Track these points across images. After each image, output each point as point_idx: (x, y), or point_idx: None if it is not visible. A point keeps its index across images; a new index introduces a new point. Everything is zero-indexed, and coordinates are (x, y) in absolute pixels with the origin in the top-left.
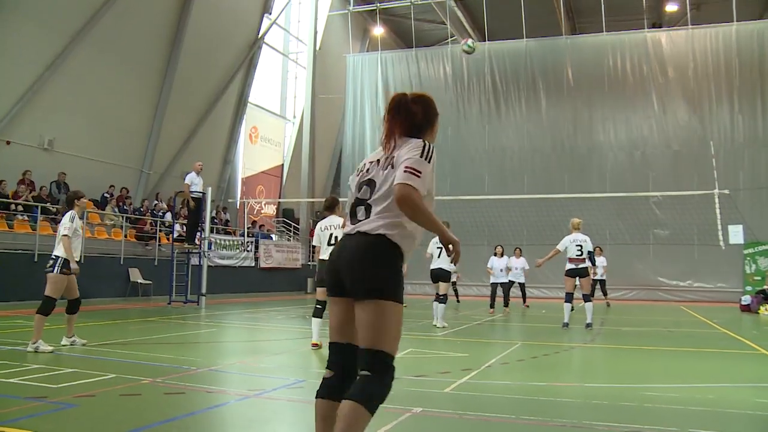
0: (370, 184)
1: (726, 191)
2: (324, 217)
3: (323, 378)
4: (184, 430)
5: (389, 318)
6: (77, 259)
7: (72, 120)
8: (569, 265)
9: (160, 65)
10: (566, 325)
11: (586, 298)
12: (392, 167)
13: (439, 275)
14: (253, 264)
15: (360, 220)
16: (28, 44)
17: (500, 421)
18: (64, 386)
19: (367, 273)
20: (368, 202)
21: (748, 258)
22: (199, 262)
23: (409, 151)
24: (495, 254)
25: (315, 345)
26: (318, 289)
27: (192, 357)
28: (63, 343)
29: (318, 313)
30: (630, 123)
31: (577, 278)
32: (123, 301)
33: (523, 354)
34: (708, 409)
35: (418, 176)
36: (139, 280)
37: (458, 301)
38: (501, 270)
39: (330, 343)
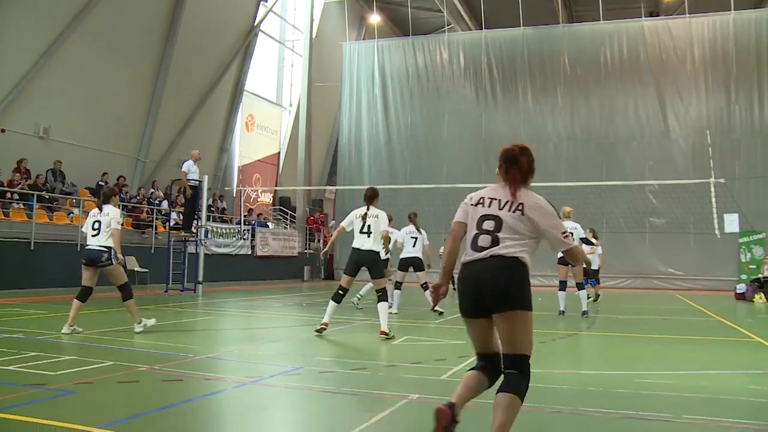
0: (496, 220)
1: (722, 180)
2: (363, 206)
3: (476, 365)
4: (182, 417)
5: (528, 325)
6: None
7: (67, 108)
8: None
9: (155, 53)
10: (562, 313)
11: (580, 286)
12: (521, 213)
13: (415, 263)
14: (249, 252)
15: (485, 247)
16: (22, 32)
17: None
18: (62, 373)
19: (510, 288)
20: (497, 234)
21: (744, 247)
22: (196, 250)
23: (550, 218)
24: None
25: (324, 324)
26: (344, 276)
27: (189, 344)
28: (64, 331)
29: (337, 298)
30: (627, 112)
31: (570, 266)
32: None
33: None
34: (702, 396)
35: (571, 234)
36: (135, 269)
37: (454, 289)
38: None
39: (477, 353)
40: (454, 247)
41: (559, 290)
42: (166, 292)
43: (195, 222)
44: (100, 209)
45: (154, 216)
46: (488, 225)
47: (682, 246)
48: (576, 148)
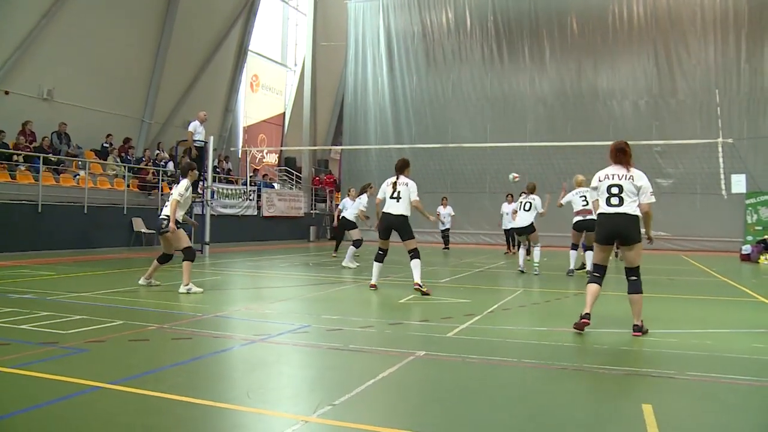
0: (619, 188)
1: (730, 140)
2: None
3: (596, 275)
4: (192, 374)
5: (640, 251)
6: (179, 220)
7: (71, 69)
8: (577, 218)
9: (158, 12)
10: (572, 272)
11: (588, 248)
12: (630, 180)
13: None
14: (255, 213)
15: (617, 205)
16: None
17: (502, 364)
18: (74, 332)
19: (631, 232)
20: (620, 196)
21: (750, 208)
22: (202, 211)
23: (646, 181)
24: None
25: (373, 286)
26: (381, 239)
27: (197, 304)
28: (141, 282)
29: (380, 258)
30: (635, 71)
31: (585, 231)
32: (127, 250)
33: (524, 300)
34: (706, 354)
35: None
36: (142, 230)
37: (447, 249)
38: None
39: (599, 265)
40: None
41: (571, 249)
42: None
43: (201, 183)
44: (178, 182)
45: (160, 177)
46: (615, 190)
47: (689, 207)
48: (583, 107)
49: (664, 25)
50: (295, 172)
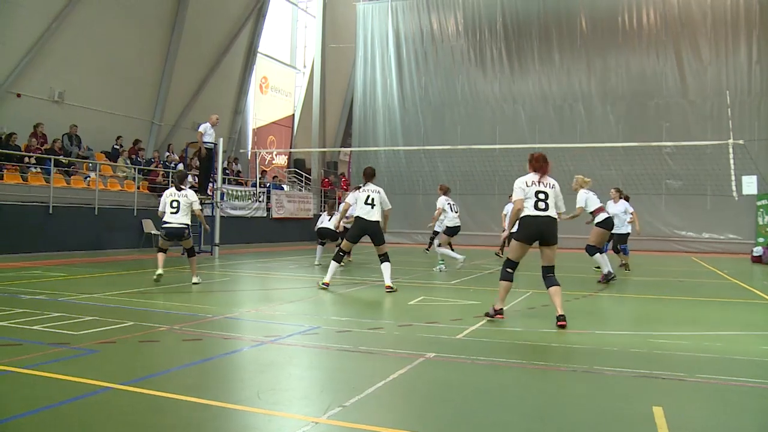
0: (545, 194)
1: (741, 141)
2: (363, 184)
3: (509, 271)
4: (203, 375)
5: (555, 251)
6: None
7: (82, 72)
8: (603, 215)
9: (168, 15)
10: (611, 274)
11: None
12: (553, 189)
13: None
14: (265, 214)
15: (544, 209)
16: None
17: (512, 365)
18: (85, 333)
19: (553, 233)
20: (546, 201)
21: (761, 209)
22: (212, 212)
23: (558, 191)
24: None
25: (326, 284)
26: (350, 242)
27: (207, 305)
28: (194, 281)
29: (338, 258)
30: (644, 72)
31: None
32: (137, 252)
33: (534, 302)
34: (716, 356)
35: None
36: (152, 231)
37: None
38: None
39: (514, 260)
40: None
41: (597, 254)
42: (183, 254)
43: (211, 185)
44: (179, 189)
45: (170, 179)
46: (541, 195)
47: (700, 208)
48: (592, 109)
49: (675, 27)
50: (304, 174)
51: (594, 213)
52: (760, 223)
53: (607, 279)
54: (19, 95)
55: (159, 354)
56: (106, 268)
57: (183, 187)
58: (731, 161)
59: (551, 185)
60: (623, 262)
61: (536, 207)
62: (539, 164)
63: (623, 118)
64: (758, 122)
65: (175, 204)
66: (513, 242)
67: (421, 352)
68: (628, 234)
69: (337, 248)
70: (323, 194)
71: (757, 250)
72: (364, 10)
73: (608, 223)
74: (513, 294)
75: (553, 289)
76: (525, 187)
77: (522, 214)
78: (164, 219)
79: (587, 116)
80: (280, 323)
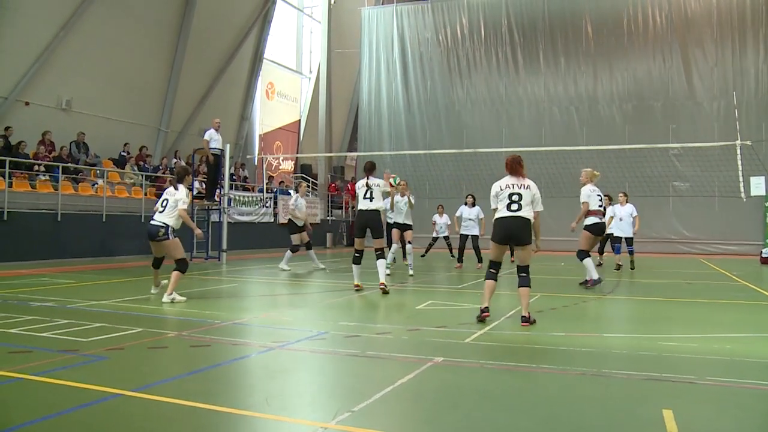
0: (519, 195)
1: (748, 142)
2: (363, 177)
3: (492, 271)
4: (212, 381)
5: (530, 252)
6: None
7: (89, 80)
8: (592, 219)
9: (174, 22)
10: (599, 281)
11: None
12: (528, 189)
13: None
14: (272, 220)
15: (516, 210)
16: (41, 4)
17: (521, 369)
18: (93, 340)
19: (525, 234)
20: (519, 203)
21: None
22: (219, 218)
23: (538, 191)
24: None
25: (357, 287)
26: (356, 239)
27: (215, 311)
28: (164, 300)
29: (357, 261)
30: (650, 74)
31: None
32: (145, 258)
33: (542, 305)
34: (725, 359)
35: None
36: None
37: (453, 257)
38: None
39: (493, 260)
40: None
41: (585, 258)
42: (190, 260)
43: (218, 190)
44: (176, 188)
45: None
46: (514, 197)
47: (707, 210)
48: (598, 111)
49: (681, 27)
50: (311, 179)
51: (588, 213)
52: None
53: (595, 283)
54: (27, 103)
55: (167, 360)
56: (114, 275)
57: (180, 185)
58: (739, 162)
59: (526, 186)
60: (618, 263)
61: (508, 208)
62: (513, 167)
63: (630, 119)
64: (766, 123)
65: (164, 203)
66: (491, 243)
67: (429, 357)
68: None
69: (354, 252)
70: (330, 199)
71: (766, 252)
72: (369, 15)
73: (597, 229)
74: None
75: (522, 290)
76: (499, 191)
77: (495, 216)
78: None
79: (593, 118)
80: (288, 329)
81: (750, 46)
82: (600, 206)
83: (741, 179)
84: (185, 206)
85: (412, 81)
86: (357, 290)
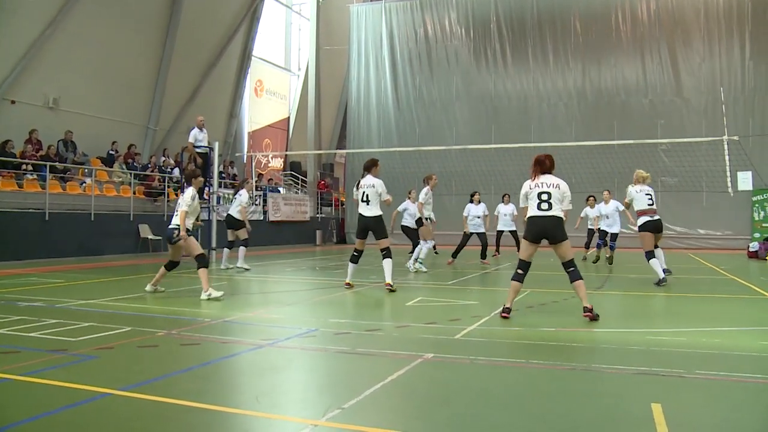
0: (549, 194)
1: (735, 137)
2: (362, 177)
3: (519, 272)
4: (202, 379)
5: (569, 246)
6: (188, 228)
7: (76, 78)
8: (644, 218)
9: (162, 20)
10: (664, 280)
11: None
12: (557, 188)
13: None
14: (261, 218)
15: (546, 210)
16: (27, 1)
17: (511, 365)
18: (83, 339)
19: (558, 231)
20: (549, 201)
21: (757, 205)
22: (208, 216)
23: (565, 189)
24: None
25: (348, 285)
26: (357, 240)
27: (205, 309)
28: (147, 289)
29: (354, 260)
30: (637, 70)
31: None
32: (134, 257)
33: (532, 301)
34: (714, 352)
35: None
36: (149, 236)
37: (436, 253)
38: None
39: (523, 260)
40: None
41: (651, 259)
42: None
43: (207, 189)
44: (182, 190)
45: (166, 184)
46: (544, 196)
47: (695, 205)
48: (586, 107)
49: (668, 24)
50: (300, 177)
51: (639, 213)
52: (756, 218)
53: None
54: (13, 102)
55: (157, 359)
56: (103, 274)
57: (189, 188)
58: (726, 157)
59: (555, 185)
60: (608, 255)
61: (539, 207)
62: (542, 166)
63: (618, 115)
64: (752, 118)
65: (177, 205)
66: (522, 242)
67: (420, 353)
68: (618, 233)
69: (353, 251)
70: (319, 196)
71: (753, 246)
72: (358, 11)
73: (652, 226)
74: None
75: (576, 283)
76: (528, 190)
77: (527, 215)
78: None
79: (582, 114)
80: (278, 326)
81: (737, 42)
82: (650, 204)
83: (728, 174)
84: (185, 207)
85: (401, 77)
86: (347, 288)
